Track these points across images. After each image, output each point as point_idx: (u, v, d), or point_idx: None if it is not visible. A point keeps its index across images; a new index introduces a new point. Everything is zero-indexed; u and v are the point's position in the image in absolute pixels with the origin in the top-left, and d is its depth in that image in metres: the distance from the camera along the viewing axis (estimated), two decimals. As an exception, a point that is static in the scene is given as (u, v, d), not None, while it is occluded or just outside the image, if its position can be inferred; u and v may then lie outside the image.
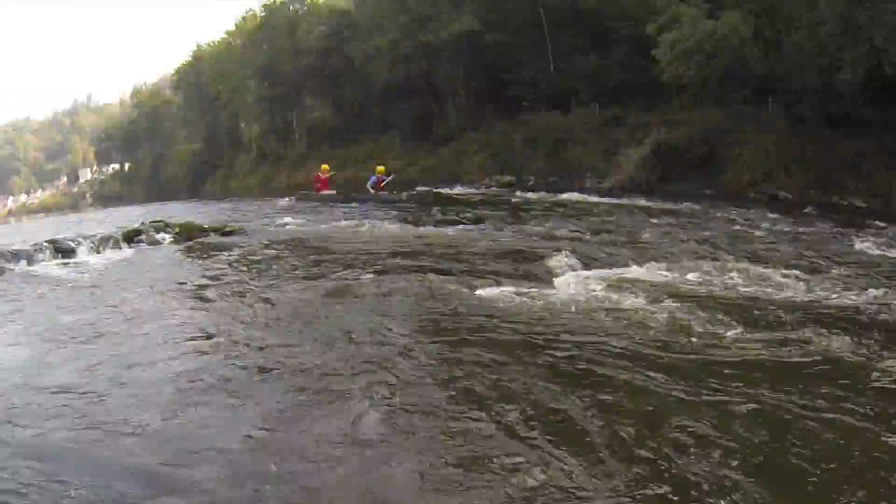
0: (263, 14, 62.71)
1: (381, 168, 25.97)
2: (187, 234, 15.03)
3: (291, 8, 61.26)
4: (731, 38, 27.12)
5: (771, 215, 19.47)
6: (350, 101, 55.82)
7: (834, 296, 8.99)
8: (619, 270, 10.08)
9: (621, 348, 6.42)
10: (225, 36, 72.64)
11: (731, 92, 28.69)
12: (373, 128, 53.00)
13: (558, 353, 6.28)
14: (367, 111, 54.16)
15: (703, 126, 28.60)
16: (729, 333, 6.97)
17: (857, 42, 22.49)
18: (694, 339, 6.79)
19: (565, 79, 36.67)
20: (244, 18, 67.46)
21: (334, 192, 26.16)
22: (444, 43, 40.93)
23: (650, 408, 5.17)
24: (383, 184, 25.20)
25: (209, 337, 7.21)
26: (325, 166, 27.81)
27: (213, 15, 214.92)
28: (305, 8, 61.49)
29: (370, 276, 9.74)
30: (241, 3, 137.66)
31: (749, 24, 27.40)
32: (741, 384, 5.60)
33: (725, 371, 5.92)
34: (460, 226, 16.85)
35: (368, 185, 25.32)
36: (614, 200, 23.65)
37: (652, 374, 5.80)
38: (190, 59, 77.75)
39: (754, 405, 5.19)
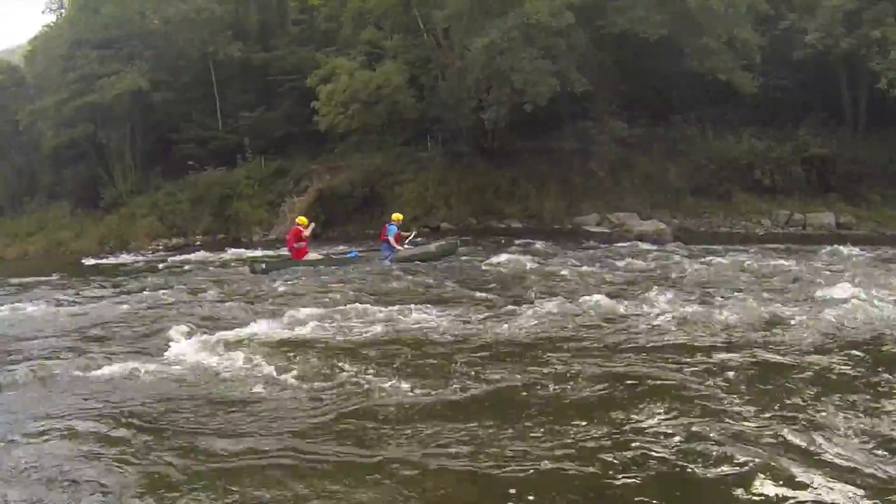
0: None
1: (397, 216, 17.75)
2: None
3: (-44, 63, 51.57)
4: (388, 86, 26.99)
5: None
6: (17, 167, 47.59)
7: (459, 322, 9.05)
8: (240, 330, 9.02)
9: (226, 411, 6.06)
10: None
11: (391, 135, 28.96)
12: (42, 196, 45.50)
13: (159, 428, 5.77)
14: (36, 179, 46.64)
15: (365, 170, 28.09)
16: (324, 383, 6.72)
17: (501, 85, 24.26)
18: (298, 390, 6.55)
19: (233, 134, 33.23)
20: None
21: (320, 255, 17.03)
22: (111, 103, 35.97)
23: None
24: (411, 236, 17.95)
25: None
26: (302, 219, 17.35)
27: None
28: (-28, 63, 52.09)
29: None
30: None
31: (405, 74, 27.63)
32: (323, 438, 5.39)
33: (317, 420, 5.76)
34: (103, 301, 13.87)
35: (390, 237, 16.91)
36: (275, 252, 21.64)
37: (266, 435, 5.47)
38: None
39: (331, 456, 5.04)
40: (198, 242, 30.11)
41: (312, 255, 16.44)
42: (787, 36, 27.88)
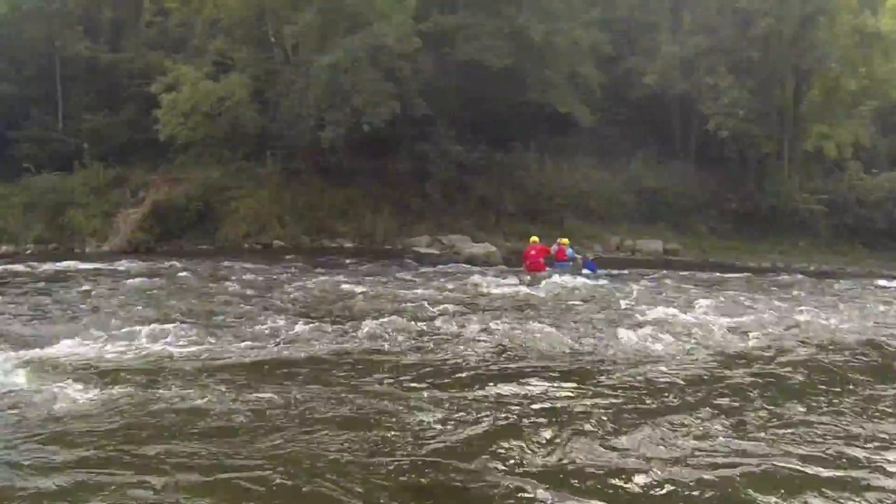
0: None
1: (565, 240, 18.56)
2: None
3: None
4: (230, 99, 26.32)
5: (251, 265, 18.74)
6: None
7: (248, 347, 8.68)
8: (51, 349, 8.39)
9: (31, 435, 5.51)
10: None
11: (232, 150, 27.88)
12: None
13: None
14: None
15: (203, 183, 26.78)
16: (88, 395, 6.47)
17: (341, 105, 24.13)
18: (104, 411, 6.08)
19: (73, 137, 31.34)
20: None
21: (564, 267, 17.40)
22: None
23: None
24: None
25: None
26: (534, 238, 18.21)
27: None
28: None
29: None
30: None
31: (249, 87, 26.90)
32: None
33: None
34: None
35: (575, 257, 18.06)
36: (104, 266, 20.34)
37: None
38: None
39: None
40: (28, 251, 27.91)
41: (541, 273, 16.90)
42: (628, 76, 29.40)
